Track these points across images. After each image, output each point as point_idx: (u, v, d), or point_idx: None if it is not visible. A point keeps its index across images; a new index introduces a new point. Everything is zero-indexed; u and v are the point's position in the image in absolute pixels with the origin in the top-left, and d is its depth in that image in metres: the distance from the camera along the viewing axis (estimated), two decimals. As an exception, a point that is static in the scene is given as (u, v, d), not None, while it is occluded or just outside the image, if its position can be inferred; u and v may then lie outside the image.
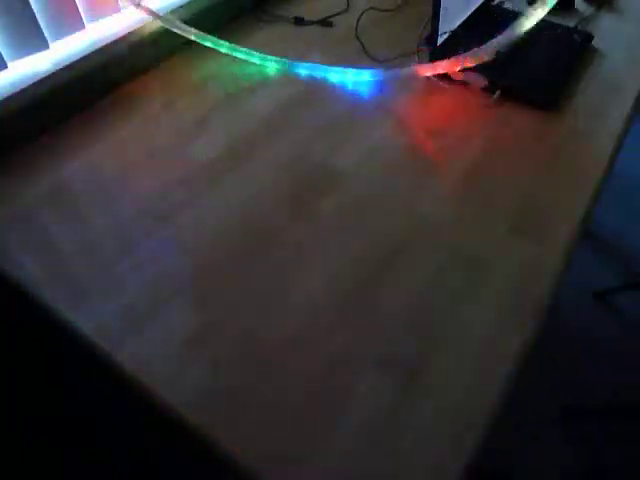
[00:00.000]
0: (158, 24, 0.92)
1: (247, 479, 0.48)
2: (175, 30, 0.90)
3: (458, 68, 0.82)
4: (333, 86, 0.91)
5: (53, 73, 0.80)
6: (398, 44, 0.97)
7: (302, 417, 0.51)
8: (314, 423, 0.51)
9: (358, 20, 1.03)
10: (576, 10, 1.09)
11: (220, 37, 0.99)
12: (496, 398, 0.52)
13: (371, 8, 1.06)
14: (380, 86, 0.90)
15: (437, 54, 0.89)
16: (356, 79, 0.91)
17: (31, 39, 0.78)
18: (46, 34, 0.79)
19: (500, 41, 0.76)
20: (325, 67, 0.92)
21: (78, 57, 0.83)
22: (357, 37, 1.00)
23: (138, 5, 0.87)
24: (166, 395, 0.53)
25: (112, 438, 1.02)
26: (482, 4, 1.01)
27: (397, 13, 1.08)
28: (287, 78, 0.92)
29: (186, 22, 0.94)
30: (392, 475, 0.48)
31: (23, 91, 0.78)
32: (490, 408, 0.52)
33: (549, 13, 0.93)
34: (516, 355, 0.55)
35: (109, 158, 0.78)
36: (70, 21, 0.83)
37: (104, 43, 0.86)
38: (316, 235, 0.68)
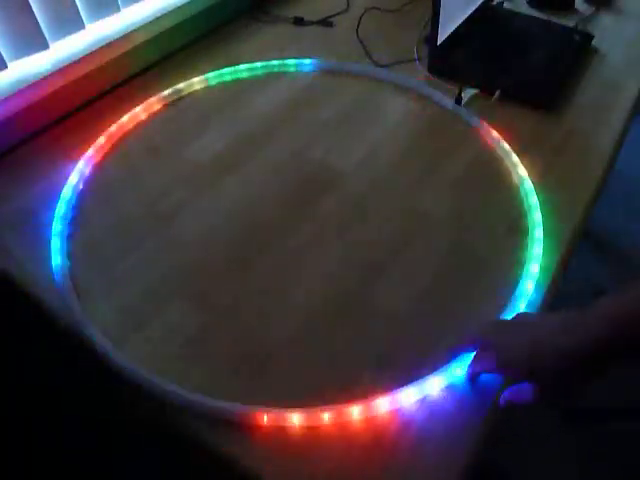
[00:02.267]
0: (159, 24, 0.92)
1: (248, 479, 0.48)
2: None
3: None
4: (332, 85, 0.91)
5: (53, 73, 0.81)
6: (400, 45, 0.98)
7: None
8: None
9: (359, 20, 1.03)
10: (576, 10, 1.10)
11: (220, 37, 0.99)
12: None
13: (373, 8, 1.06)
14: (379, 86, 0.91)
15: (437, 54, 0.89)
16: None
17: (31, 39, 0.78)
18: (46, 34, 0.79)
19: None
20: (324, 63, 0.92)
21: (78, 57, 0.84)
22: (358, 37, 1.00)
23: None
24: (166, 395, 0.53)
25: (112, 438, 1.02)
26: (482, 4, 1.01)
27: (401, 14, 1.08)
28: (286, 77, 0.92)
29: (185, 22, 0.95)
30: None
31: (23, 91, 0.78)
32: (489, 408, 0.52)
33: (549, 13, 0.93)
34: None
35: (109, 157, 0.78)
36: (70, 21, 0.83)
37: (104, 43, 0.87)
38: (316, 234, 0.68)
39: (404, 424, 0.50)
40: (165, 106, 0.86)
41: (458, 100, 0.84)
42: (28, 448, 0.98)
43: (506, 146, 0.77)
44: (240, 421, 0.50)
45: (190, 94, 0.89)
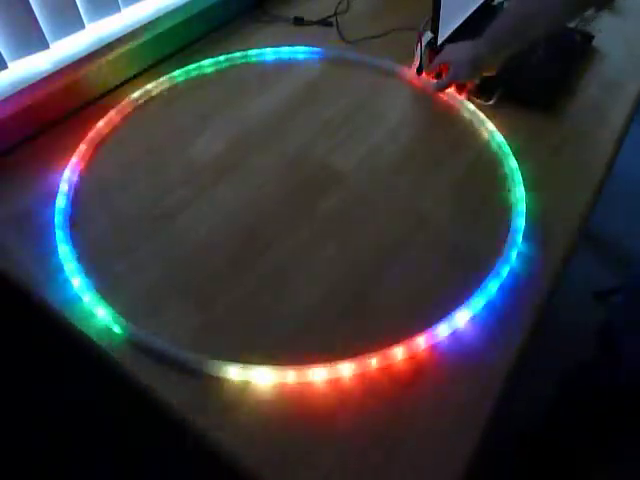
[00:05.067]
0: (159, 25, 0.92)
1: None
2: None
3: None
4: (332, 84, 0.91)
5: (53, 73, 0.81)
6: (397, 40, 0.98)
7: (302, 415, 0.52)
8: (312, 421, 0.51)
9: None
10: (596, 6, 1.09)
11: (220, 37, 1.00)
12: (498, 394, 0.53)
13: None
14: (378, 84, 0.91)
15: (437, 54, 0.89)
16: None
17: (31, 39, 0.78)
18: (46, 34, 0.79)
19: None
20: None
21: (78, 57, 0.84)
22: (336, 16, 1.03)
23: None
24: (166, 395, 0.53)
25: (112, 438, 1.02)
26: (482, 4, 1.01)
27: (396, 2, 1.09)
28: (285, 77, 0.92)
29: (185, 23, 0.95)
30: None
31: (23, 91, 0.78)
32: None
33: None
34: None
35: (109, 157, 0.78)
36: (70, 21, 0.83)
37: (104, 43, 0.87)
38: (316, 234, 0.68)
39: (439, 356, 0.56)
40: (167, 105, 0.86)
41: (419, 69, 0.89)
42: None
43: (506, 145, 0.77)
44: (299, 382, 0.54)
45: (191, 92, 0.89)
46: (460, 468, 0.48)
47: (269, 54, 0.95)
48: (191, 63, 0.92)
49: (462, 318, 0.58)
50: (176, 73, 0.89)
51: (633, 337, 0.86)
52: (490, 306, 0.60)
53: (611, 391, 0.91)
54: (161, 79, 0.88)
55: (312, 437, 0.50)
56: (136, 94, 0.85)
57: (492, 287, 0.61)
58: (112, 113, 0.82)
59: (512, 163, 0.75)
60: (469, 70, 0.80)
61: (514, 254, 0.64)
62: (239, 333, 0.58)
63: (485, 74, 0.81)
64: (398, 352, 0.55)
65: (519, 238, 0.66)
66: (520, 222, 0.67)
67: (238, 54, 0.94)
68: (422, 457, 0.49)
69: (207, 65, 0.92)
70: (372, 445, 0.50)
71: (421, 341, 0.56)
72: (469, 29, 0.96)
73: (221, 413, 0.52)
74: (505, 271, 0.62)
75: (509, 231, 0.67)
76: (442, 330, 0.57)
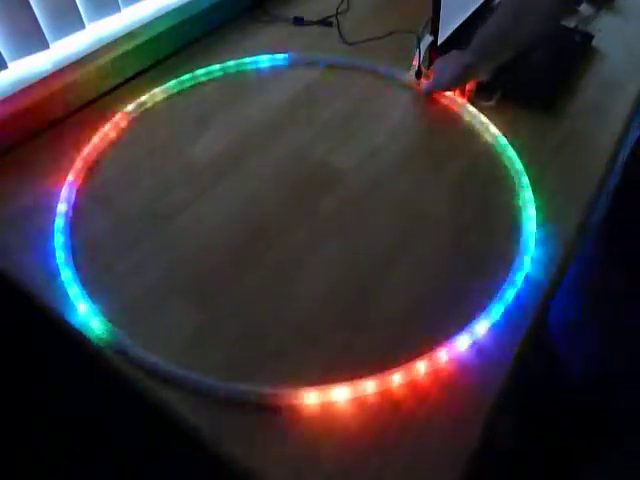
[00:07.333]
0: (159, 24, 0.92)
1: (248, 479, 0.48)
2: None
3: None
4: (332, 85, 0.91)
5: (53, 73, 0.81)
6: (398, 41, 0.97)
7: (303, 415, 0.52)
8: (312, 423, 0.51)
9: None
10: (576, 10, 1.09)
11: (220, 37, 1.00)
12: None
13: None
14: (378, 85, 0.91)
15: (437, 55, 0.89)
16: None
17: (31, 39, 0.78)
18: (46, 34, 0.79)
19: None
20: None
21: (78, 57, 0.84)
22: (337, 16, 1.03)
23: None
24: (166, 395, 0.53)
25: (112, 438, 1.02)
26: (482, 4, 1.01)
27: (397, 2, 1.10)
28: (285, 80, 0.92)
29: (185, 23, 0.95)
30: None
31: (23, 91, 0.78)
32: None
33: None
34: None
35: (110, 157, 0.78)
36: (70, 21, 0.83)
37: (104, 43, 0.87)
38: (316, 234, 0.68)
39: (462, 369, 0.55)
40: (167, 105, 0.86)
41: (418, 73, 0.88)
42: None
43: (511, 148, 0.77)
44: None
45: (190, 92, 0.89)
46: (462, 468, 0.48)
47: (267, 60, 0.94)
48: (191, 63, 0.92)
49: (479, 324, 0.57)
50: (172, 83, 0.88)
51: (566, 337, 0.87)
52: (501, 310, 0.59)
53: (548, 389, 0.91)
54: (158, 89, 0.87)
55: (313, 438, 0.50)
56: (131, 106, 0.84)
57: (509, 294, 0.60)
58: (113, 114, 0.82)
59: (518, 165, 0.74)
60: (451, 81, 0.82)
61: (528, 260, 0.63)
62: (240, 334, 0.58)
63: (476, 80, 0.83)
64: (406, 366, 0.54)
65: (532, 243, 0.65)
66: (531, 227, 0.67)
67: (233, 63, 0.93)
68: (420, 462, 0.49)
69: (203, 74, 0.91)
70: (372, 447, 0.50)
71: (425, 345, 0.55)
72: (469, 30, 0.96)
73: (221, 413, 0.52)
74: (520, 277, 0.61)
75: (513, 233, 0.67)
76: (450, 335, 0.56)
